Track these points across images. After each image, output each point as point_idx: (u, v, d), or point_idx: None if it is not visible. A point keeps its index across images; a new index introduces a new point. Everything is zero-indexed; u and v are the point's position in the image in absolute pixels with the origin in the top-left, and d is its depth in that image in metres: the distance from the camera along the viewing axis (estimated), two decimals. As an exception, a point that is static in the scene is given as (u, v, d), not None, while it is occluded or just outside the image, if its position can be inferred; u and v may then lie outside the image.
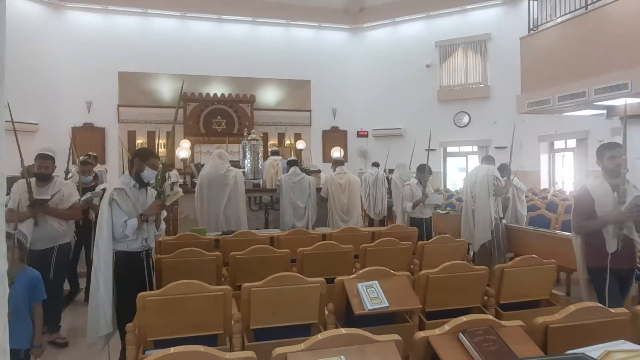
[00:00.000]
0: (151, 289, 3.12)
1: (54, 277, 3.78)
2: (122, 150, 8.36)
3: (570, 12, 7.27)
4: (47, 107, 11.29)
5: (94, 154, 7.58)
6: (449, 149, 13.51)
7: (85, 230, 4.83)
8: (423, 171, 5.66)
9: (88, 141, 11.22)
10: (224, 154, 5.80)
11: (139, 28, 12.60)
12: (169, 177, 6.24)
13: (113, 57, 12.15)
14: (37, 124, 10.93)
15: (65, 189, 3.95)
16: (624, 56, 6.01)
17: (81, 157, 6.95)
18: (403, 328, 2.61)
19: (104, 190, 4.75)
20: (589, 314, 2.03)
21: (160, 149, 12.61)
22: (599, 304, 2.09)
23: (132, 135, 12.45)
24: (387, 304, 2.53)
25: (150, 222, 3.20)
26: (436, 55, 13.23)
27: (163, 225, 3.46)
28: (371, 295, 2.56)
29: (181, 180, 7.69)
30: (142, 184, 3.25)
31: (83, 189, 4.84)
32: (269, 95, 14.16)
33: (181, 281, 2.35)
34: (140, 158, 3.22)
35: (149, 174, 3.23)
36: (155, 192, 3.28)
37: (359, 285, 2.60)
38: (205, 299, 2.35)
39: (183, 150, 8.60)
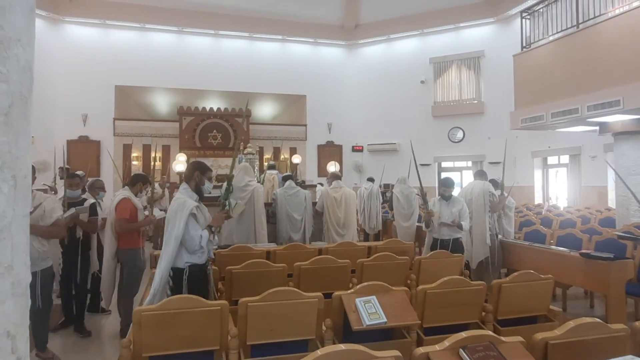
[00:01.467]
0: (215, 298, 3.11)
1: (41, 304, 3.45)
2: (114, 163, 8.32)
3: (562, 30, 7.41)
4: (43, 120, 11.25)
5: (83, 172, 7.20)
6: (444, 164, 13.59)
7: (72, 250, 4.37)
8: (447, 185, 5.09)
9: (83, 154, 11.19)
10: (248, 169, 5.82)
11: (136, 42, 12.68)
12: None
13: (110, 71, 12.20)
14: (32, 137, 10.85)
15: (47, 203, 3.50)
16: (616, 74, 6.11)
17: (65, 167, 6.91)
18: (401, 344, 2.58)
19: (92, 205, 4.47)
20: (589, 330, 2.03)
21: (155, 162, 12.62)
22: (598, 320, 2.08)
23: (127, 149, 12.43)
24: (385, 320, 2.51)
25: (215, 233, 3.23)
26: (430, 72, 13.40)
27: (216, 238, 3.45)
28: (369, 311, 2.54)
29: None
30: (201, 197, 3.25)
31: (69, 204, 4.30)
32: (265, 110, 14.24)
33: (177, 296, 2.33)
34: (200, 171, 3.24)
35: (208, 186, 3.31)
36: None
37: (357, 300, 2.59)
38: (202, 314, 2.32)
39: (179, 164, 8.57)
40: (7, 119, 0.81)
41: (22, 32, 0.83)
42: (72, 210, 4.20)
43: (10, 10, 0.79)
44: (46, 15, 11.66)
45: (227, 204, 3.27)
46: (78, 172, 7.07)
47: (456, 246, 4.84)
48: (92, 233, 4.57)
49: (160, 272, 2.99)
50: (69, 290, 4.42)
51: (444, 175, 13.68)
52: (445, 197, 4.99)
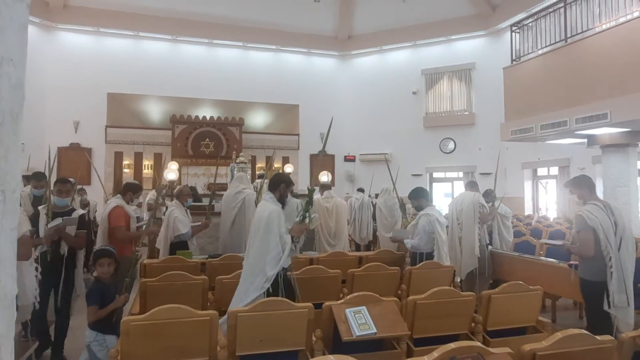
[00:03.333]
0: (300, 300, 3.12)
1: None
2: (96, 171, 8.22)
3: (550, 44, 7.55)
4: (33, 127, 11.16)
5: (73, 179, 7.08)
6: (435, 175, 13.68)
7: (54, 269, 3.71)
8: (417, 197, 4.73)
9: (74, 161, 11.10)
10: (243, 177, 5.96)
11: (129, 50, 12.68)
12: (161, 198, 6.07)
13: (103, 78, 12.17)
14: (23, 143, 10.74)
15: None
16: (603, 87, 6.23)
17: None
18: (391, 355, 2.58)
19: (82, 217, 3.95)
20: (576, 342, 2.04)
21: (146, 170, 12.56)
22: (585, 332, 2.10)
23: (119, 156, 12.36)
24: (375, 330, 2.51)
25: (295, 242, 3.35)
26: (422, 83, 13.54)
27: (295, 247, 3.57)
28: (359, 321, 2.54)
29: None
30: (283, 206, 3.42)
31: (54, 213, 3.75)
32: (258, 119, 14.26)
33: (166, 306, 2.31)
34: (286, 184, 3.44)
35: (290, 198, 3.53)
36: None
37: (347, 310, 2.59)
38: (191, 324, 2.30)
39: (171, 172, 8.52)
40: (-2, 136, 0.82)
41: (14, 50, 0.85)
42: (59, 220, 3.61)
43: (2, 32, 0.80)
44: (39, 22, 11.63)
45: (306, 215, 3.44)
46: (68, 180, 7.04)
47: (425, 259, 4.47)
48: (79, 249, 3.98)
49: (268, 277, 3.07)
50: (43, 316, 3.73)
51: (436, 186, 13.79)
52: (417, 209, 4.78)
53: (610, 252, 3.41)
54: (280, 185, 3.42)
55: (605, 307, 3.41)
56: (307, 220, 3.37)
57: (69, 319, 3.92)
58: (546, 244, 5.10)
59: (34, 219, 3.70)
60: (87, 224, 4.34)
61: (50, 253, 3.67)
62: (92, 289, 3.01)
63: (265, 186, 7.00)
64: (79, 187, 7.32)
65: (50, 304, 3.82)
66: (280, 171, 10.27)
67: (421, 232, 4.44)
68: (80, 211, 4.03)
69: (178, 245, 4.82)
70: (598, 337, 2.10)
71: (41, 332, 3.74)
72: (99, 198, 9.05)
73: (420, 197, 4.65)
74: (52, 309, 3.83)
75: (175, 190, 5.23)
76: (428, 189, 13.35)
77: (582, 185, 3.74)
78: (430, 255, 4.43)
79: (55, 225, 3.58)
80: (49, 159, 3.65)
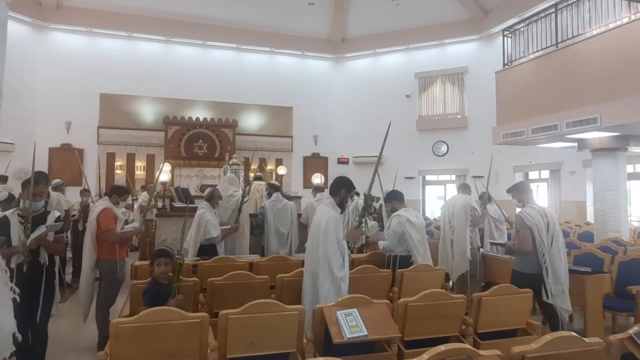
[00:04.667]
0: None
1: None
2: (83, 173, 8.10)
3: (542, 49, 7.63)
4: (24, 127, 11.07)
5: (60, 180, 6.92)
6: (428, 178, 13.73)
7: (34, 280, 3.26)
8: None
9: (65, 162, 11.01)
10: (234, 179, 5.94)
11: (123, 51, 12.61)
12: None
13: (95, 79, 12.10)
14: (13, 144, 10.68)
15: None
16: (593, 92, 6.30)
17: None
18: (382, 357, 2.59)
19: (59, 220, 3.44)
20: (565, 344, 2.06)
21: (138, 172, 12.49)
22: (574, 334, 2.12)
23: (110, 157, 12.28)
24: (366, 333, 2.52)
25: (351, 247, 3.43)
26: (415, 86, 13.61)
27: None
28: (350, 324, 2.54)
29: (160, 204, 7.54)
30: (342, 210, 3.44)
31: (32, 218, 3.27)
32: (251, 121, 14.24)
33: (156, 308, 2.30)
34: (347, 190, 3.46)
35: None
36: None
37: (338, 313, 2.59)
38: (181, 326, 2.29)
39: (163, 173, 8.48)
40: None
41: None
42: (42, 229, 3.23)
43: None
44: (31, 22, 11.55)
45: (363, 221, 3.47)
46: (56, 181, 6.95)
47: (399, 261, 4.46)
48: (59, 255, 3.62)
49: (339, 277, 3.16)
50: (27, 347, 3.12)
51: (429, 189, 13.83)
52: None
53: (544, 249, 3.84)
54: (342, 190, 3.44)
55: (544, 298, 3.81)
56: (363, 226, 3.40)
57: (47, 338, 3.51)
58: (491, 243, 5.21)
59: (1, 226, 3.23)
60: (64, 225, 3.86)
61: (28, 263, 3.19)
62: (148, 289, 3.02)
63: (264, 189, 7.03)
64: (82, 188, 7.25)
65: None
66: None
67: (391, 233, 4.45)
68: (57, 213, 3.56)
69: (207, 247, 4.80)
70: (587, 340, 2.12)
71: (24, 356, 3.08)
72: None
73: (393, 199, 4.71)
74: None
75: (206, 193, 5.20)
76: (421, 192, 13.50)
77: (520, 191, 4.18)
78: (405, 258, 4.38)
79: (38, 234, 3.20)
80: (34, 157, 3.52)
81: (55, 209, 3.98)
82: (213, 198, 5.07)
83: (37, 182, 3.44)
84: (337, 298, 2.93)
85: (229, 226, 5.17)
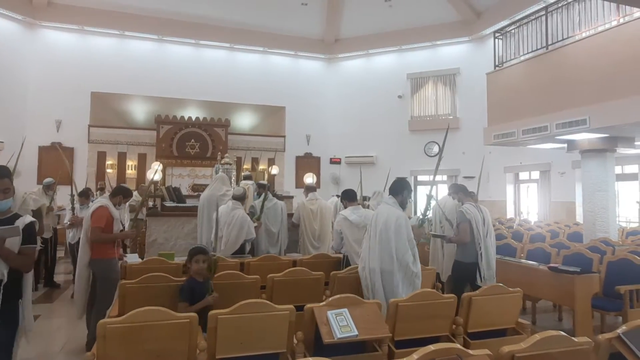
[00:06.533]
0: None
1: None
2: (70, 172, 7.87)
3: (532, 51, 7.70)
4: (14, 125, 10.93)
5: (52, 179, 6.74)
6: (420, 178, 13.78)
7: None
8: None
9: (55, 161, 10.89)
10: (225, 179, 6.04)
11: (115, 49, 12.50)
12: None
13: (86, 77, 11.98)
14: (2, 142, 10.54)
15: None
16: (583, 94, 6.37)
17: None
18: (372, 357, 2.58)
19: (29, 226, 2.63)
20: (554, 343, 2.07)
21: (129, 171, 12.38)
22: (563, 333, 2.13)
23: (101, 156, 12.16)
24: (356, 333, 2.51)
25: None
26: (408, 87, 13.66)
27: None
28: (341, 324, 2.53)
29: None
30: (403, 210, 3.61)
31: None
32: (243, 120, 14.20)
33: (144, 308, 2.26)
34: (408, 191, 3.69)
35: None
36: None
37: (329, 313, 2.58)
38: (170, 327, 2.27)
39: (155, 172, 8.41)
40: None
41: None
42: None
43: None
44: (22, 19, 11.41)
45: (424, 220, 3.74)
46: (47, 180, 6.87)
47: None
48: (26, 271, 2.70)
49: (415, 273, 3.44)
50: None
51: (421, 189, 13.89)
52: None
53: (480, 240, 4.34)
54: (404, 191, 3.69)
55: (478, 282, 4.22)
56: (425, 225, 3.67)
57: None
58: (433, 235, 5.36)
59: None
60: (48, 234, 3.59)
61: None
62: (185, 286, 3.15)
63: (252, 189, 7.01)
64: (87, 188, 7.12)
65: None
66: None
67: (334, 232, 4.67)
68: (29, 218, 2.71)
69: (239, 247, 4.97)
70: (576, 339, 2.13)
71: None
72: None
73: (344, 198, 5.06)
74: None
75: (239, 192, 5.32)
76: (412, 192, 13.51)
77: (459, 191, 4.81)
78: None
79: None
80: (19, 153, 3.31)
81: (19, 209, 3.32)
82: (245, 198, 5.28)
83: (1, 176, 2.68)
84: (412, 292, 3.10)
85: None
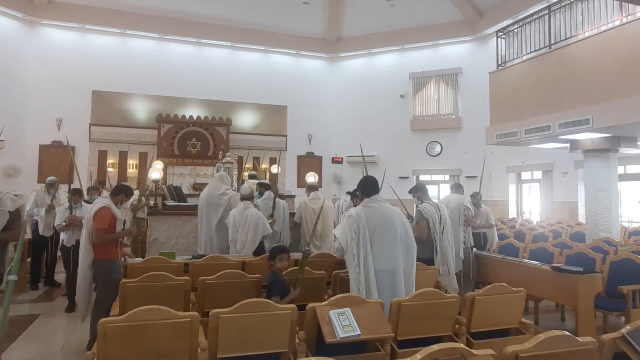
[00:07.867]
0: None
1: None
2: (76, 168, 7.85)
3: (535, 50, 7.66)
4: (15, 124, 10.92)
5: (54, 178, 6.72)
6: (422, 177, 13.74)
7: None
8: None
9: (56, 159, 10.89)
10: (225, 177, 6.05)
11: (115, 48, 12.48)
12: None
13: (87, 76, 11.96)
14: (2, 140, 10.53)
15: None
16: (586, 93, 6.34)
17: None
18: (374, 357, 2.57)
19: (17, 212, 2.92)
20: (558, 343, 2.05)
21: (130, 170, 12.38)
22: (567, 333, 2.12)
23: (102, 155, 12.15)
24: (359, 332, 2.49)
25: None
26: (410, 86, 13.62)
27: None
28: (343, 323, 2.51)
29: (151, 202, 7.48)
30: None
31: None
32: (245, 119, 14.18)
33: (145, 307, 2.25)
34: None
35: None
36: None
37: (331, 312, 2.56)
38: (171, 326, 2.25)
39: (156, 171, 8.41)
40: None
41: None
42: None
43: None
44: (22, 17, 11.40)
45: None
46: (50, 178, 6.88)
47: None
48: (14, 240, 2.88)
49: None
50: None
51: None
52: None
53: (436, 237, 4.66)
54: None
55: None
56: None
57: None
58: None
59: None
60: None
61: None
62: (274, 281, 3.35)
63: (254, 187, 6.99)
64: (90, 186, 7.09)
65: None
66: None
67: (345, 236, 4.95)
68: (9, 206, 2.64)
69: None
70: (579, 339, 2.11)
71: None
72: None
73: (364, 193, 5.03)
74: None
75: (247, 191, 5.35)
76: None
77: (420, 190, 5.03)
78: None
79: None
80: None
81: None
82: (253, 197, 5.36)
83: None
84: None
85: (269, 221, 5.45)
